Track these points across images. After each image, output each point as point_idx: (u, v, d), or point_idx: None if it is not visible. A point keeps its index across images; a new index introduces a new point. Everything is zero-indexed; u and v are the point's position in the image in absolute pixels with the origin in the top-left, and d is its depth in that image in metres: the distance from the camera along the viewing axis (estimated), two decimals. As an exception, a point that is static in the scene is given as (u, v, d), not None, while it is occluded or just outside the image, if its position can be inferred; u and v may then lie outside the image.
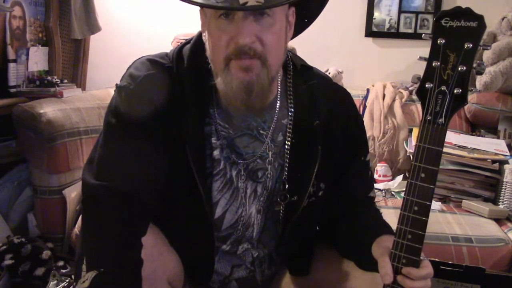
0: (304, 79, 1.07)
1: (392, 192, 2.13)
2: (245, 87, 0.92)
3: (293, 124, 1.04)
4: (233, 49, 0.90)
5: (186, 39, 1.07)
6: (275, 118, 1.04)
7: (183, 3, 0.89)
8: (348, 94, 1.15)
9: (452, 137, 2.20)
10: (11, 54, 2.05)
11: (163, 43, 2.36)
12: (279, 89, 1.05)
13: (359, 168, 1.12)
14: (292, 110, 1.05)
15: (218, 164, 1.03)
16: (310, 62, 1.13)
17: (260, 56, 0.91)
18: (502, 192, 1.98)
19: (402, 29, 2.65)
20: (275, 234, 1.11)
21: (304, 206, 1.05)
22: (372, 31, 2.67)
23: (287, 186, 1.05)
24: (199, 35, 1.02)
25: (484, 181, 2.02)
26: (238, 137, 1.03)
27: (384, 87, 2.48)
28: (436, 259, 1.58)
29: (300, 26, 1.08)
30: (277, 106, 1.05)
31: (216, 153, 1.02)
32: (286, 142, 1.05)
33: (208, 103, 1.01)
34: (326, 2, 1.04)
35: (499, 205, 1.97)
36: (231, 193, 1.05)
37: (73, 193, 1.96)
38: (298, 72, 1.08)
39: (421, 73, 0.80)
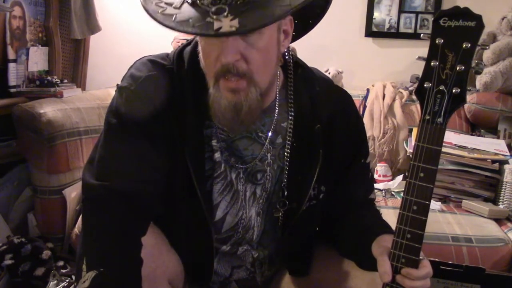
0: (305, 83, 1.07)
1: (392, 192, 2.13)
2: (233, 107, 0.93)
3: (293, 127, 1.04)
4: (219, 67, 0.90)
5: (186, 40, 1.07)
6: (274, 121, 1.04)
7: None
8: (349, 96, 1.15)
9: (452, 137, 2.20)
10: (11, 54, 2.05)
11: (163, 43, 2.36)
12: (278, 93, 1.05)
13: (360, 170, 1.12)
14: (293, 113, 1.05)
15: (219, 166, 1.03)
16: (310, 62, 1.13)
17: (244, 74, 0.90)
18: (502, 192, 1.98)
19: (402, 29, 2.65)
20: (275, 236, 1.11)
21: (304, 209, 1.05)
22: (372, 31, 2.67)
23: (286, 192, 1.05)
24: None
25: (484, 181, 2.02)
26: (237, 139, 1.03)
27: (384, 87, 2.48)
28: (436, 259, 1.58)
29: (304, 28, 1.07)
30: (276, 110, 1.04)
31: (217, 155, 1.02)
32: (287, 145, 1.05)
33: (208, 105, 1.01)
34: (329, 4, 1.03)
35: (499, 205, 1.97)
36: (232, 196, 1.05)
37: (73, 193, 1.96)
38: (299, 75, 1.07)
39: (420, 73, 0.80)
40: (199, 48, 0.97)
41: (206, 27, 0.81)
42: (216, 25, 0.80)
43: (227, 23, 0.80)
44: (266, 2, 0.83)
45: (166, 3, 0.89)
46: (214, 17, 0.81)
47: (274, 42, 0.94)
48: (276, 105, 1.04)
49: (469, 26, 0.75)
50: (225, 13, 0.81)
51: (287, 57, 1.07)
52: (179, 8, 0.87)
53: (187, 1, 0.87)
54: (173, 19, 0.85)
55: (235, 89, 0.91)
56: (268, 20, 0.82)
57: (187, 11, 0.86)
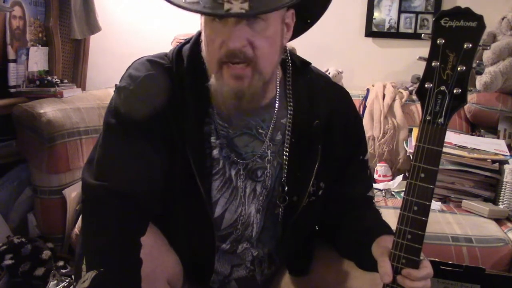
0: (304, 79, 1.07)
1: (392, 192, 2.13)
2: (235, 94, 0.93)
3: (292, 123, 1.05)
4: (224, 52, 0.90)
5: (186, 39, 1.07)
6: (274, 118, 1.05)
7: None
8: (347, 93, 1.15)
9: (452, 137, 2.20)
10: (11, 54, 2.05)
11: (163, 43, 2.36)
12: (278, 89, 1.05)
13: (358, 167, 1.13)
14: (292, 110, 1.05)
15: (217, 163, 1.03)
16: (310, 62, 1.12)
17: (250, 61, 0.91)
18: (502, 192, 1.98)
19: (402, 29, 2.65)
20: (275, 233, 1.11)
21: (304, 205, 1.05)
22: (372, 31, 2.67)
23: (286, 188, 1.05)
24: (198, 34, 1.02)
25: (484, 181, 2.02)
26: (238, 136, 1.03)
27: (384, 87, 2.48)
28: (436, 259, 1.58)
29: (302, 27, 1.07)
30: (276, 106, 1.05)
31: (215, 152, 1.02)
32: (286, 141, 1.05)
33: (208, 102, 1.01)
34: (328, 4, 1.03)
35: (499, 205, 1.97)
36: (230, 192, 1.05)
37: (73, 193, 1.96)
38: (298, 71, 1.08)
39: (421, 73, 0.80)
40: (202, 37, 0.97)
41: (216, 7, 0.82)
42: (226, 6, 0.81)
43: (237, 5, 0.81)
44: None
45: None
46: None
47: (279, 33, 0.95)
48: (276, 101, 1.05)
49: (470, 27, 0.74)
50: None
51: (285, 53, 1.07)
52: None
53: None
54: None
55: (239, 75, 0.91)
56: (279, 4, 0.83)
57: None
